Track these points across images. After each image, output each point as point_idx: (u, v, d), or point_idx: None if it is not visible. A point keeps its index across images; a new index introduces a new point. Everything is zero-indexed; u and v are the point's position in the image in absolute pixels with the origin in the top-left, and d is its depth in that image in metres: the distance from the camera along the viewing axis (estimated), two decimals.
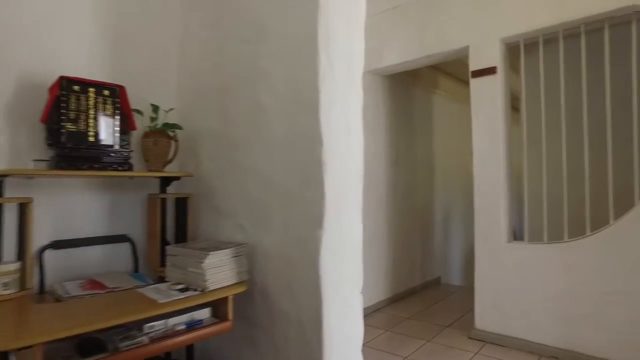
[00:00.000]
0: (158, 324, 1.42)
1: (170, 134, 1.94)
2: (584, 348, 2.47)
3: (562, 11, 2.56)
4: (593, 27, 2.62)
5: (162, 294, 1.47)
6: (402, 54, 3.34)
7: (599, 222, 2.51)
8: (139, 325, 1.39)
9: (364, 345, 1.77)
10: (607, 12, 2.44)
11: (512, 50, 2.95)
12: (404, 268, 4.15)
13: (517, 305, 2.72)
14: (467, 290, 2.92)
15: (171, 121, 1.97)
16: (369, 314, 3.55)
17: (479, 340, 2.88)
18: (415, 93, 4.40)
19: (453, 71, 4.75)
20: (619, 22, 2.60)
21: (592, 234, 2.50)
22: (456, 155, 5.07)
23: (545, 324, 2.62)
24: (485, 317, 2.87)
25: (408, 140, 4.24)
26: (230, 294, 1.54)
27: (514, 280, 2.73)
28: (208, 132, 2.03)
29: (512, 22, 2.76)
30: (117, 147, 1.73)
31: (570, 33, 2.79)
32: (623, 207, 2.45)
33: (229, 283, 1.55)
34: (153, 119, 1.92)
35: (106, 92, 1.71)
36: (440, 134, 4.82)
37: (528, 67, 2.89)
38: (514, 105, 3.25)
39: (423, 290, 4.43)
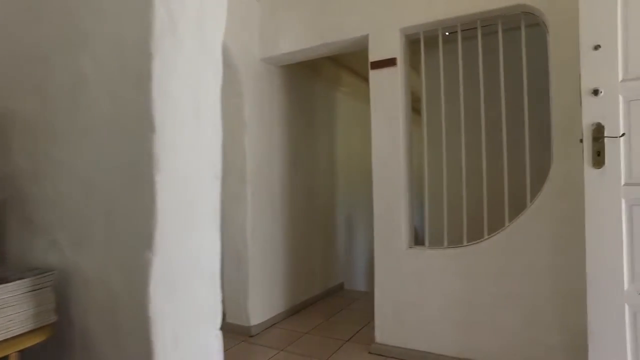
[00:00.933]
0: None
1: None
2: (482, 355, 2.33)
3: (459, 3, 2.42)
4: (490, 30, 2.54)
5: None
6: (299, 41, 3.02)
7: (498, 225, 2.40)
8: None
9: None
10: (499, 8, 2.34)
11: (413, 46, 2.77)
12: (304, 276, 3.83)
13: (417, 315, 2.53)
14: (371, 296, 2.69)
15: None
16: (262, 331, 3.16)
17: (380, 355, 2.64)
18: (317, 88, 4.12)
19: (356, 68, 4.57)
20: (515, 26, 2.55)
21: (488, 237, 2.38)
22: (359, 156, 4.90)
23: (445, 334, 2.45)
24: (385, 330, 2.64)
25: (308, 139, 3.93)
26: (14, 350, 1.04)
27: (414, 289, 2.53)
28: (20, 117, 1.48)
29: (411, 12, 2.57)
30: None
31: (470, 35, 2.69)
32: (520, 209, 2.36)
33: (16, 333, 1.06)
34: None
35: None
36: (343, 134, 4.60)
37: (429, 65, 2.74)
38: (414, 107, 3.10)
39: (325, 298, 4.15)
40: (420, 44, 2.65)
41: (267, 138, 3.30)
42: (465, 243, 2.45)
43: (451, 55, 2.72)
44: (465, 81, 2.57)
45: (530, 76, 2.40)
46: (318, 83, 4.14)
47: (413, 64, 3.06)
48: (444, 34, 2.62)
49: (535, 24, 2.52)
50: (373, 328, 2.74)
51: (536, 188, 2.29)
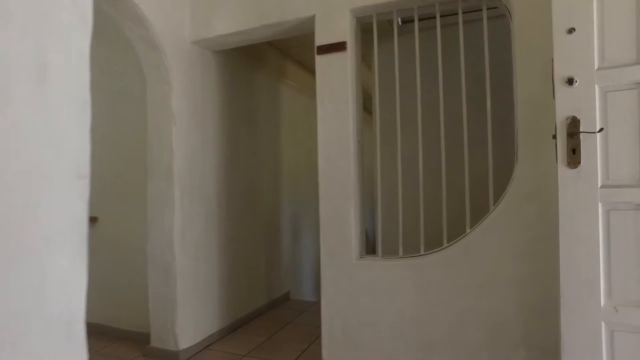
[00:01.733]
0: None
1: None
2: None
3: None
4: (449, 22, 2.31)
5: None
6: (236, 22, 2.63)
7: (459, 231, 2.15)
8: None
9: None
10: None
11: (365, 36, 2.48)
12: (245, 288, 3.44)
13: (370, 334, 2.23)
14: (320, 306, 2.34)
15: None
16: (193, 356, 2.74)
17: None
18: (260, 79, 3.74)
19: (304, 59, 4.24)
20: (476, 18, 2.34)
21: (448, 246, 2.13)
22: (307, 154, 4.57)
23: (401, 355, 2.16)
24: (334, 351, 2.32)
25: (249, 134, 3.54)
26: None
27: (366, 305, 2.23)
28: None
29: None
30: None
31: (427, 26, 2.45)
32: (483, 213, 2.13)
33: None
34: None
35: None
36: (289, 130, 4.25)
37: (382, 55, 2.46)
38: (365, 106, 2.82)
39: (269, 311, 3.78)
40: (373, 28, 2.36)
41: (200, 132, 2.88)
42: (422, 252, 2.19)
43: (407, 46, 2.46)
44: (422, 74, 2.31)
45: (493, 69, 2.17)
46: (261, 73, 3.76)
47: (365, 57, 2.78)
48: (399, 21, 2.35)
49: (498, 15, 2.31)
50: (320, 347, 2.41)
51: (501, 190, 2.06)
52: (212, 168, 3.02)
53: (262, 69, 3.75)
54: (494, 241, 2.01)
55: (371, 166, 2.49)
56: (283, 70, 4.12)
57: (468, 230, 2.11)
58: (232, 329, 3.24)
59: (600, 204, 1.55)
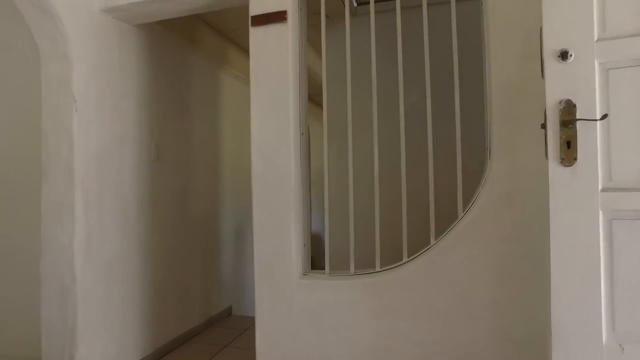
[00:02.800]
0: None
1: None
2: None
3: None
4: (413, 3, 1.95)
5: None
6: None
7: (423, 243, 1.77)
8: None
9: None
10: None
11: (314, 20, 2.07)
12: (176, 306, 2.93)
13: None
14: None
15: None
16: None
17: None
18: (195, 64, 3.24)
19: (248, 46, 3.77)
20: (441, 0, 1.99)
21: (409, 261, 1.75)
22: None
23: None
24: None
25: (181, 128, 3.04)
26: None
27: (310, 335, 1.81)
28: None
29: None
30: None
31: (387, 8, 2.07)
32: (451, 221, 1.76)
33: None
34: None
35: None
36: (233, 127, 3.77)
37: (333, 39, 2.05)
38: (317, 100, 2.41)
39: (207, 330, 3.29)
40: (321, 3, 1.94)
41: (116, 122, 2.35)
42: (378, 268, 1.80)
43: (363, 30, 2.07)
44: (381, 62, 1.92)
45: (461, 57, 1.81)
46: (197, 57, 3.26)
47: (314, 43, 2.38)
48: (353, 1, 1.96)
49: None
50: None
51: (472, 193, 1.70)
52: (132, 167, 2.50)
53: (198, 51, 3.25)
54: (463, 256, 1.64)
55: (321, 167, 2.07)
56: (224, 56, 3.63)
57: (433, 242, 1.73)
58: (160, 356, 2.72)
59: (601, 212, 1.21)
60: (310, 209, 2.02)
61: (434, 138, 1.79)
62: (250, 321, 3.58)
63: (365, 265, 1.92)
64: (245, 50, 3.85)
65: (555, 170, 1.24)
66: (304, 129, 1.95)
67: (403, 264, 1.75)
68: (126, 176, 2.44)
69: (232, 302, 3.69)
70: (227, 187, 3.66)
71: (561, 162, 1.23)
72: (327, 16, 1.97)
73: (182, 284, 3.00)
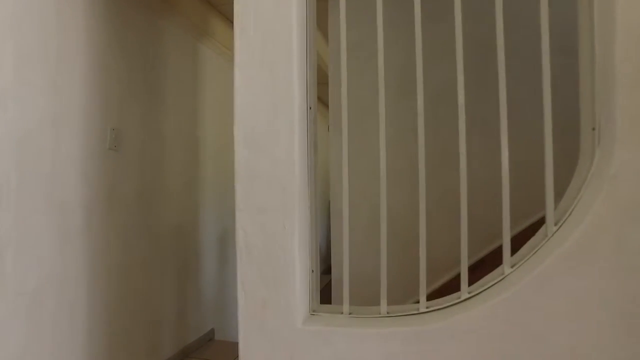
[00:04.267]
0: None
1: None
2: None
3: None
4: None
5: None
6: None
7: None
8: None
9: None
10: None
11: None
12: (141, 335, 2.31)
13: None
14: None
15: None
16: None
17: None
18: (167, 33, 2.62)
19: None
20: None
21: (474, 296, 1.16)
22: None
23: None
24: None
25: (149, 111, 2.42)
26: None
27: None
28: None
29: None
30: None
31: None
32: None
33: None
34: None
35: None
36: (213, 110, 3.15)
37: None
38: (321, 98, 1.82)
39: None
40: None
41: (45, 96, 1.73)
42: (423, 308, 1.20)
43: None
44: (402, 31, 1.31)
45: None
46: (171, 24, 2.64)
47: (320, 24, 1.78)
48: None
49: None
50: None
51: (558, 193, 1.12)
52: (76, 159, 1.87)
53: (172, 16, 2.63)
54: (564, 294, 1.05)
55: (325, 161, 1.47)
56: (206, 26, 3.01)
57: (507, 271, 1.14)
58: None
59: None
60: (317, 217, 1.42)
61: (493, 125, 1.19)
62: (234, 348, 2.98)
63: (395, 300, 1.33)
64: (231, 21, 3.24)
65: None
66: (312, 101, 1.35)
67: (464, 301, 1.16)
68: (65, 170, 1.82)
69: (214, 324, 3.08)
70: (209, 185, 3.04)
71: None
72: None
73: (150, 308, 2.38)
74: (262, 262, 1.25)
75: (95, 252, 1.96)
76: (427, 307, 1.21)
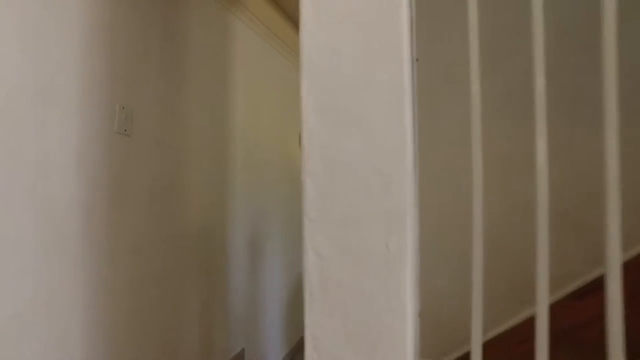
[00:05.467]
0: None
1: None
2: None
3: None
4: None
5: None
6: None
7: None
8: None
9: None
10: None
11: None
12: (160, 354, 1.86)
13: None
14: None
15: None
16: None
17: None
18: (191, 3, 2.15)
19: None
20: None
21: None
22: (283, 142, 3.05)
23: None
24: None
25: (169, 91, 1.95)
26: None
27: None
28: None
29: None
30: None
31: None
32: None
33: None
34: None
35: None
36: (246, 93, 2.69)
37: None
38: None
39: None
40: None
41: (25, 60, 1.27)
42: None
43: None
44: None
45: None
46: None
47: None
48: None
49: None
50: None
51: None
52: (69, 144, 1.42)
53: None
54: None
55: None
56: None
57: None
58: None
59: None
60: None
61: None
62: None
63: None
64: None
65: None
66: (416, 51, 0.86)
67: None
68: (56, 158, 1.37)
69: (245, 344, 2.62)
70: (240, 179, 2.58)
71: None
72: None
73: (167, 330, 1.93)
74: (349, 306, 0.76)
75: (95, 264, 1.51)
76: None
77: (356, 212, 0.75)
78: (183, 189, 2.03)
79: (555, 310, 1.09)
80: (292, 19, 3.20)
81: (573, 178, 1.33)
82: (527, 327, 1.12)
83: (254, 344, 2.72)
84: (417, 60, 0.86)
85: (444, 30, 1.54)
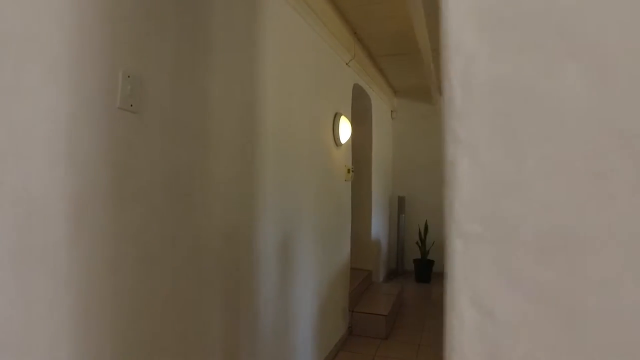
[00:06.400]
0: None
1: None
2: None
3: None
4: None
5: None
6: None
7: None
8: None
9: None
10: None
11: None
12: None
13: None
14: None
15: None
16: None
17: None
18: None
19: None
20: None
21: None
22: (313, 121, 2.67)
23: None
24: None
25: (184, 57, 1.57)
26: None
27: None
28: None
29: None
30: None
31: None
32: None
33: None
34: None
35: None
36: (278, 73, 2.30)
37: None
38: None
39: None
40: None
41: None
42: None
43: None
44: None
45: None
46: None
47: None
48: None
49: None
50: None
51: None
52: (54, 122, 1.06)
53: None
54: None
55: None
56: None
57: None
58: None
59: None
60: None
61: None
62: None
63: None
64: None
65: None
66: None
67: None
68: (33, 140, 1.00)
69: None
70: (271, 182, 2.20)
71: None
72: None
73: (189, 344, 1.56)
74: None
75: (87, 280, 1.15)
76: None
77: (565, 218, 0.35)
78: (204, 182, 1.66)
79: None
80: None
81: None
82: None
83: (287, 357, 2.34)
84: None
85: None
